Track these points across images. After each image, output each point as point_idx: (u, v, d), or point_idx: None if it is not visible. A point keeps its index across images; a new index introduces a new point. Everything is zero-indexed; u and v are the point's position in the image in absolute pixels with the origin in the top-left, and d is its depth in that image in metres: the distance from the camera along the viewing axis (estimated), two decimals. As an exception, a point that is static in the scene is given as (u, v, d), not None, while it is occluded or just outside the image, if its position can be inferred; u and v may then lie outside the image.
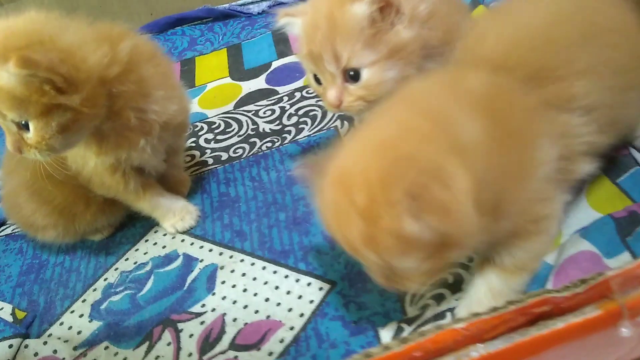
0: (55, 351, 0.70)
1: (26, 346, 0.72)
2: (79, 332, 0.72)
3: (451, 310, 0.60)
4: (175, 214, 0.83)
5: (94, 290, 0.78)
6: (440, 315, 0.60)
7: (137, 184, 0.76)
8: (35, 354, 0.71)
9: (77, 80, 0.60)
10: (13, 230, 0.94)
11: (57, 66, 0.57)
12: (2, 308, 0.78)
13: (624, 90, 0.56)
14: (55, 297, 0.79)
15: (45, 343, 0.71)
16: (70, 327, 0.74)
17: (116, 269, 0.80)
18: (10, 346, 0.71)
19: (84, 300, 0.77)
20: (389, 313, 0.64)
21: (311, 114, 1.00)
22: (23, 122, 0.61)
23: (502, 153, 0.46)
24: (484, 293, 0.57)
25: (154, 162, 0.76)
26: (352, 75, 0.60)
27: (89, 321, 0.74)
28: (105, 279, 0.79)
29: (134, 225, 0.87)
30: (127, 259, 0.82)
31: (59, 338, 0.72)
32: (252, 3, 1.42)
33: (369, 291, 0.66)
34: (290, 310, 0.67)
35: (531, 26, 0.54)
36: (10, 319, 0.76)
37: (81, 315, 0.75)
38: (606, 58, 0.53)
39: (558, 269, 0.59)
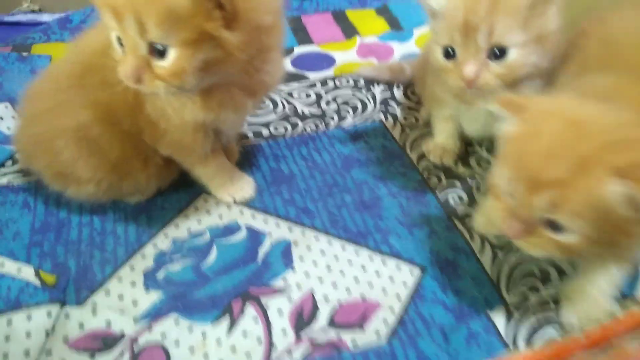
0: (108, 322, 0.59)
1: (67, 315, 0.59)
2: (134, 303, 0.62)
3: (553, 299, 0.63)
4: (234, 183, 0.75)
5: (143, 256, 0.67)
6: (546, 303, 0.62)
7: (209, 147, 0.68)
8: (81, 325, 0.58)
9: (244, 18, 0.52)
10: (9, 181, 0.77)
11: None
12: (19, 268, 0.63)
13: None
14: (91, 261, 0.66)
15: (94, 313, 0.59)
16: (121, 296, 0.62)
17: (166, 235, 0.70)
18: (49, 314, 0.58)
19: (132, 267, 0.66)
20: (488, 299, 0.64)
21: (351, 103, 0.98)
22: (161, 47, 0.52)
23: None
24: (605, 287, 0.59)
25: (241, 126, 0.69)
26: (497, 54, 0.61)
27: (146, 291, 0.63)
28: (154, 245, 0.69)
29: (176, 191, 0.76)
30: (177, 225, 0.72)
31: (109, 308, 0.60)
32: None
33: (461, 277, 0.66)
34: (384, 291, 0.65)
35: None
36: (35, 282, 0.62)
37: (133, 284, 0.64)
38: None
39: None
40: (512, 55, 0.60)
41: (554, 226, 0.46)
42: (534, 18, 0.59)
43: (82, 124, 0.64)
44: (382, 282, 0.66)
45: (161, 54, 0.52)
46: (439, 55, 0.65)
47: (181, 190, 0.76)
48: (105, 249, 0.68)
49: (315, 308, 0.62)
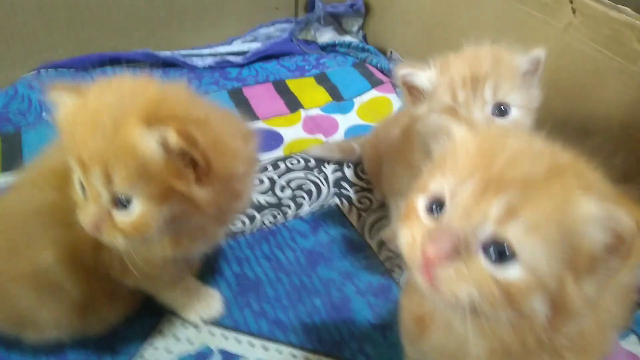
0: None
1: None
2: None
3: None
4: (200, 301, 0.73)
5: (114, 403, 0.63)
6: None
7: (178, 274, 0.66)
8: None
9: (217, 174, 0.51)
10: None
11: (209, 152, 0.49)
12: None
13: None
14: (56, 417, 0.61)
15: None
16: None
17: (134, 373, 0.66)
18: None
19: (104, 419, 0.61)
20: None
21: (305, 187, 0.99)
22: (124, 198, 0.49)
23: None
24: None
25: (209, 249, 0.67)
26: (499, 111, 0.64)
27: None
28: (124, 388, 0.64)
29: (137, 315, 0.72)
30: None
31: None
32: (196, 56, 1.34)
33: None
34: (367, 408, 0.65)
35: None
36: None
37: None
38: None
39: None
40: (514, 113, 0.64)
41: (498, 253, 0.35)
42: (525, 87, 0.64)
43: (42, 267, 0.59)
44: (364, 398, 0.66)
45: (124, 205, 0.50)
46: (437, 117, 0.66)
47: (144, 315, 0.72)
48: (70, 399, 0.63)
49: None
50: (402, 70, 0.68)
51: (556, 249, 0.34)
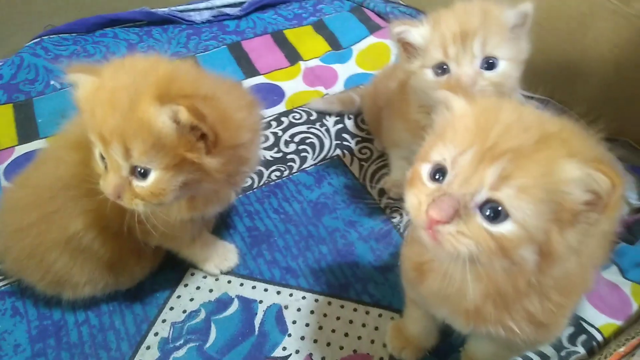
0: None
1: None
2: (152, 398, 0.66)
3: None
4: (218, 254, 0.80)
5: (148, 348, 0.71)
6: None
7: (196, 232, 0.72)
8: None
9: (224, 145, 0.56)
10: (-10, 287, 0.77)
11: (217, 126, 0.53)
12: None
13: None
14: (99, 362, 0.70)
15: (117, 417, 0.64)
16: (138, 394, 0.67)
17: (164, 321, 0.74)
18: None
19: (140, 361, 0.70)
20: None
21: (308, 141, 1.03)
22: (142, 169, 0.54)
23: None
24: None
25: (223, 209, 0.73)
26: (487, 64, 0.67)
27: (159, 383, 0.68)
28: (155, 334, 0.73)
29: (163, 270, 0.80)
30: (172, 308, 0.76)
31: (129, 408, 0.65)
32: (193, 10, 1.34)
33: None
34: (372, 342, 0.73)
35: None
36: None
37: (146, 379, 0.68)
38: None
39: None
40: (502, 66, 0.67)
41: (493, 211, 0.40)
42: (514, 40, 0.67)
43: (73, 234, 0.66)
44: (368, 333, 0.74)
45: (142, 175, 0.55)
46: (429, 76, 0.69)
47: (168, 269, 0.80)
48: (109, 346, 0.71)
49: (315, 371, 0.70)
50: (397, 28, 0.70)
51: (543, 207, 0.40)
